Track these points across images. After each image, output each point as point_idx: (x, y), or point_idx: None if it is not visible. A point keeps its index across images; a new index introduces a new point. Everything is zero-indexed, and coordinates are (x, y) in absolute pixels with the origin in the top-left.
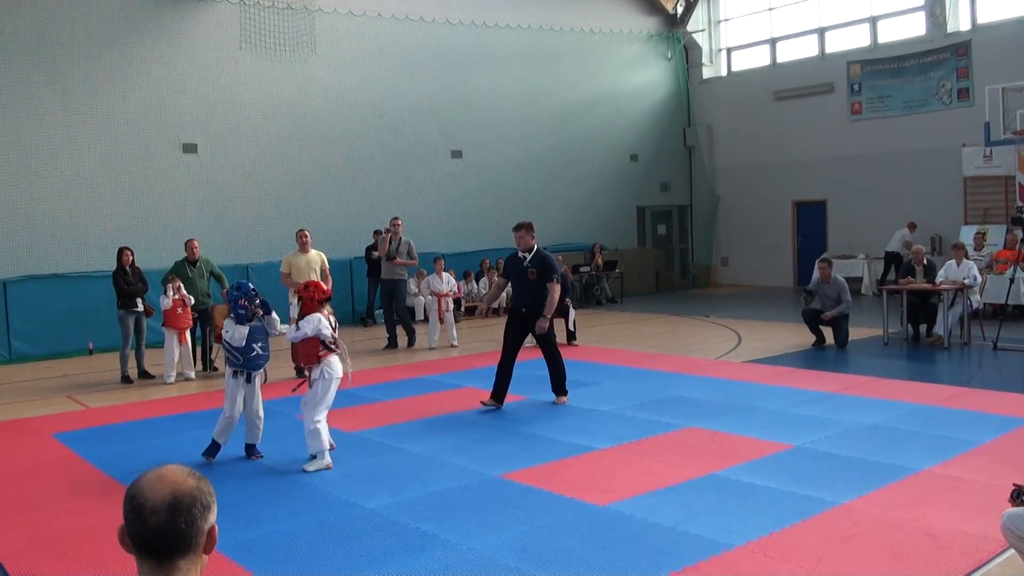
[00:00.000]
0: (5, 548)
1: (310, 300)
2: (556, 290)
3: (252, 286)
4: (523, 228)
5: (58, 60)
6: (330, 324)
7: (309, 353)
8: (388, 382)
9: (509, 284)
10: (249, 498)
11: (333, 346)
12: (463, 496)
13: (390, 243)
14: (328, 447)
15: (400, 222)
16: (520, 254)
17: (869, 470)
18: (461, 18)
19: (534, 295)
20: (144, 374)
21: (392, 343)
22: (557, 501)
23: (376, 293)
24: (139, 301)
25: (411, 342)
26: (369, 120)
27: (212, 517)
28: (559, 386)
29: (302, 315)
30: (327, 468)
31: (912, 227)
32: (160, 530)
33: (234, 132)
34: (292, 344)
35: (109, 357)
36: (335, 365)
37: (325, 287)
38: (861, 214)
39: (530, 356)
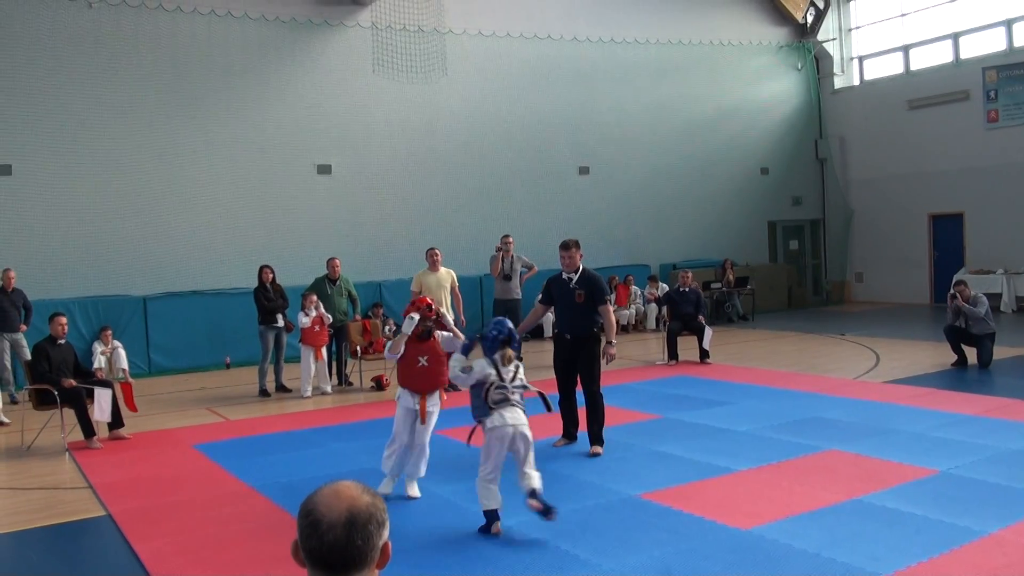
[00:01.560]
0: (152, 554)
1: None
2: (611, 313)
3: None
4: (572, 246)
5: (196, 87)
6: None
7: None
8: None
9: (550, 310)
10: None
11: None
12: (602, 515)
13: (502, 262)
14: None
15: (511, 239)
16: (565, 275)
17: (1017, 498)
18: (588, 35)
19: (583, 320)
20: (281, 388)
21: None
22: (698, 523)
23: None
24: (279, 317)
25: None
26: (497, 138)
27: (386, 533)
28: (597, 432)
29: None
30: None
31: None
32: (337, 546)
33: (367, 153)
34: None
35: (246, 371)
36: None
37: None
38: (1000, 227)
39: (649, 375)
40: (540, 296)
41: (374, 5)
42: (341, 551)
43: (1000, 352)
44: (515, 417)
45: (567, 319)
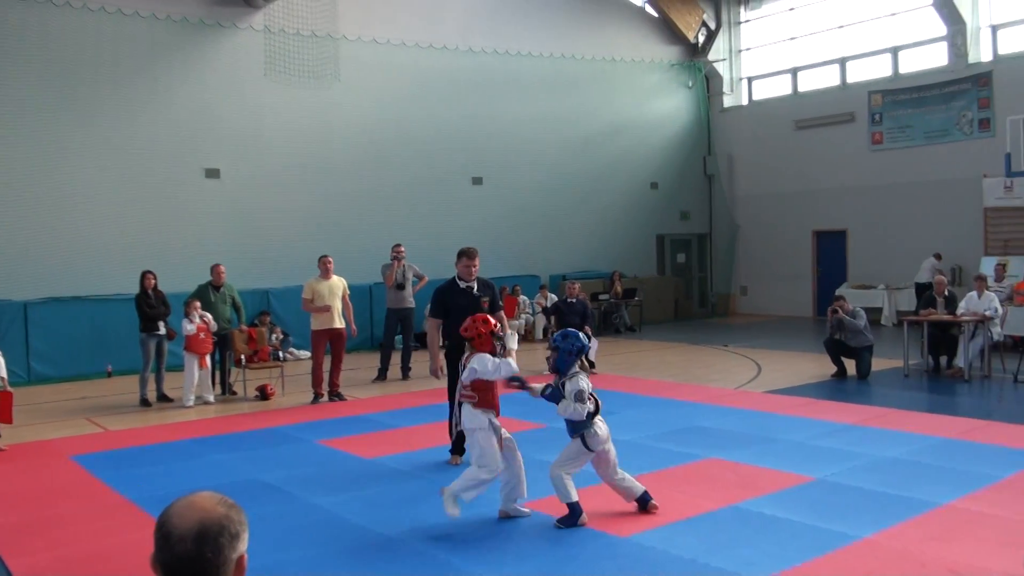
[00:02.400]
0: (27, 570)
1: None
2: (506, 318)
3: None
4: (476, 255)
5: (84, 85)
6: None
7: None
8: (407, 408)
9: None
10: (268, 524)
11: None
12: (484, 525)
13: (395, 271)
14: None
15: (403, 249)
16: (463, 284)
17: (890, 504)
18: (484, 46)
19: None
20: (163, 397)
21: (384, 373)
22: (578, 531)
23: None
24: (161, 324)
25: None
26: (391, 147)
27: (242, 546)
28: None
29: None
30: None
31: (939, 257)
32: (187, 558)
33: (257, 158)
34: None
35: (128, 380)
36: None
37: (491, 324)
38: (881, 244)
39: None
40: (431, 309)
41: (267, 8)
42: (191, 563)
43: (878, 364)
44: (605, 426)
45: None
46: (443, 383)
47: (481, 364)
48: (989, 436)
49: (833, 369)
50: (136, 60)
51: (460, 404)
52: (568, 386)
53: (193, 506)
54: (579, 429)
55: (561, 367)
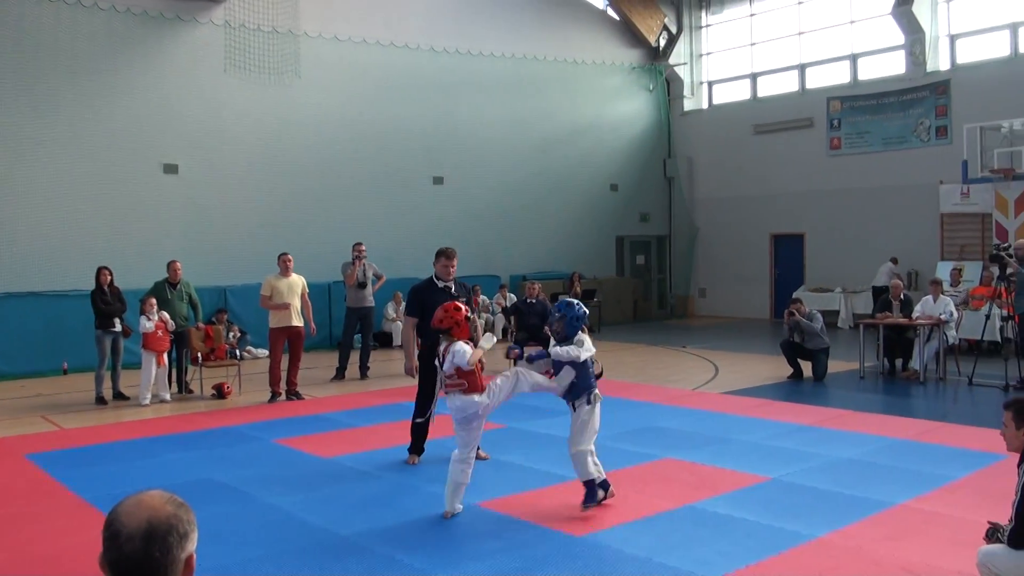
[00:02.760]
0: None
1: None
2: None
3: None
4: (456, 255)
5: (40, 79)
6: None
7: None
8: (365, 407)
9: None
10: (223, 524)
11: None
12: (440, 525)
13: (356, 270)
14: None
15: (364, 247)
16: (441, 284)
17: (845, 504)
18: (446, 46)
19: None
20: (119, 395)
21: (342, 375)
22: (534, 531)
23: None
24: (117, 321)
25: (363, 375)
26: (352, 145)
27: (190, 546)
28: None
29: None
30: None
31: (895, 261)
32: (134, 558)
33: (216, 154)
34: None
35: (84, 377)
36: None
37: (442, 313)
38: (838, 248)
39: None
40: (408, 308)
41: (227, 3)
42: (138, 563)
43: (834, 366)
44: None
45: None
46: (412, 382)
47: (460, 357)
48: (943, 437)
49: (789, 371)
50: (95, 53)
51: (447, 395)
52: (585, 341)
53: (141, 505)
54: (584, 390)
55: (570, 332)
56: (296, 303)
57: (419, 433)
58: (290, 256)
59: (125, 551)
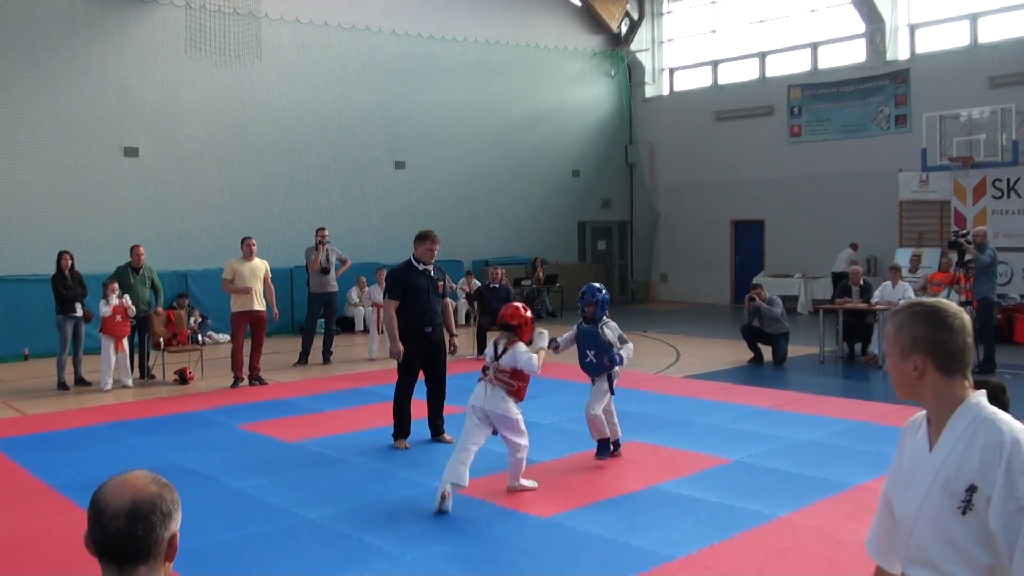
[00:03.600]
0: None
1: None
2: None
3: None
4: (439, 239)
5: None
6: (496, 349)
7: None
8: (329, 392)
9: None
10: (189, 508)
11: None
12: (407, 507)
13: (319, 255)
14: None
15: (327, 232)
16: (422, 267)
17: (806, 484)
18: (408, 29)
19: (437, 311)
20: (80, 381)
21: (303, 359)
22: (500, 513)
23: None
24: (78, 306)
25: (327, 359)
26: (313, 129)
27: (174, 525)
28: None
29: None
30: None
31: (855, 247)
32: (119, 536)
33: (176, 137)
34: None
35: (45, 363)
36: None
37: (510, 312)
38: (798, 234)
39: (459, 369)
40: (389, 291)
41: None
42: (122, 541)
43: (794, 350)
44: None
45: (428, 311)
46: (375, 367)
47: (528, 364)
48: (901, 419)
49: (750, 355)
50: (54, 34)
51: (490, 385)
52: (608, 332)
53: (126, 484)
54: (611, 368)
55: (599, 316)
56: (258, 287)
57: (406, 416)
58: (253, 240)
59: (109, 529)
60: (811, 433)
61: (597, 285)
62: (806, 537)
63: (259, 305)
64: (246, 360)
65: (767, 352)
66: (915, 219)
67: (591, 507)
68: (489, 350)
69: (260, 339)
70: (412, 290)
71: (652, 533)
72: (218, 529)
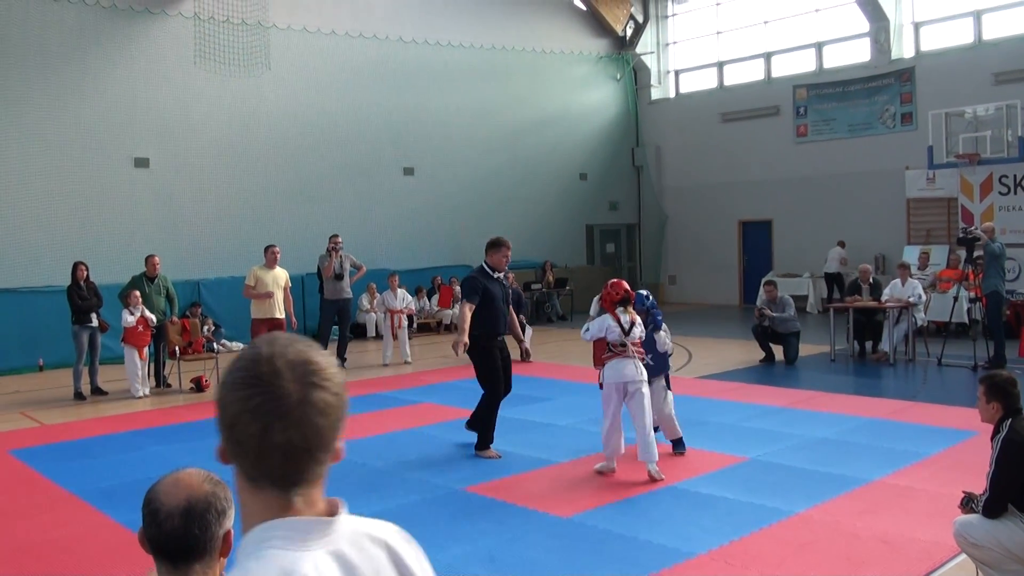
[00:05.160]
0: None
1: (605, 300)
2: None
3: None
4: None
5: (10, 72)
6: (622, 325)
7: (596, 355)
8: None
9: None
10: None
11: (619, 349)
12: (427, 509)
13: (333, 262)
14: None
15: (340, 239)
16: (497, 274)
17: (822, 481)
18: (414, 36)
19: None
20: (97, 390)
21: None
22: (521, 513)
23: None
24: (94, 316)
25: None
26: (322, 136)
27: (228, 522)
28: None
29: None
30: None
31: (842, 245)
32: (174, 535)
33: (187, 147)
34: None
35: (60, 373)
36: (610, 369)
37: (625, 286)
38: (806, 234)
39: (472, 373)
40: (467, 294)
41: None
42: (179, 540)
43: (805, 349)
44: None
45: (502, 318)
46: (389, 372)
47: (660, 342)
48: (914, 416)
49: (761, 355)
50: (65, 47)
51: (638, 360)
52: (663, 335)
53: (179, 483)
54: (664, 367)
55: (652, 322)
56: (279, 295)
57: (494, 424)
58: (278, 248)
59: (165, 528)
60: (825, 430)
61: (644, 292)
62: (824, 532)
63: (279, 313)
64: None
65: (778, 352)
66: (923, 216)
67: (610, 506)
68: (614, 328)
69: None
70: (488, 296)
71: (672, 530)
72: (238, 537)
